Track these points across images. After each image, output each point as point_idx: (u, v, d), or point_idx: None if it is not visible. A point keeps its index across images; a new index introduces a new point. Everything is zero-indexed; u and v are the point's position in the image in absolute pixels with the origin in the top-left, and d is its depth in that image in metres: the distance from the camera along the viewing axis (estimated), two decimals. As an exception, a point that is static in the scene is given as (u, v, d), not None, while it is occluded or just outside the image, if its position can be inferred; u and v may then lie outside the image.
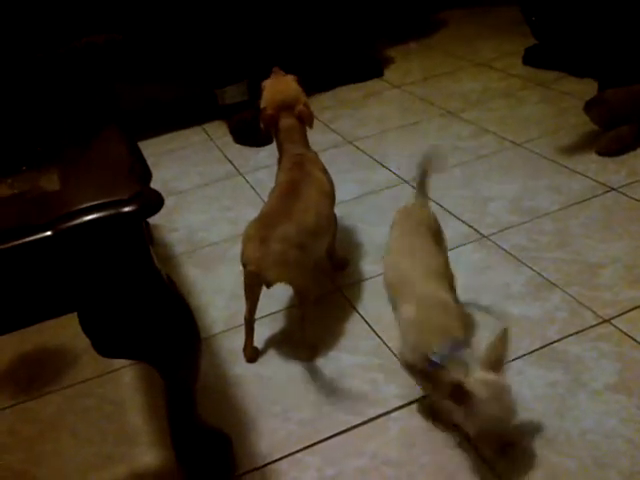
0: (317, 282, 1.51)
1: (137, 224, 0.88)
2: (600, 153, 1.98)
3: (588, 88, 2.26)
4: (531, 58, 2.78)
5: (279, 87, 1.49)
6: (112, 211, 0.84)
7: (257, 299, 1.37)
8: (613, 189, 1.80)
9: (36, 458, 1.26)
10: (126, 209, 0.84)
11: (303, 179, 1.41)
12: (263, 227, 1.30)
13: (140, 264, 0.91)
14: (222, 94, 2.56)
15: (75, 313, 0.90)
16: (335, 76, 2.87)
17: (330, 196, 1.48)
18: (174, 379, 1.05)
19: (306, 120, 1.48)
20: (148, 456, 1.22)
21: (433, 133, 2.32)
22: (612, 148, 1.97)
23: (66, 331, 1.55)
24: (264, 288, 1.34)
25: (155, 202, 0.88)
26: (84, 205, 0.84)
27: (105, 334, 0.93)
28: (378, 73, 2.94)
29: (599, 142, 2.00)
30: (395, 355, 1.35)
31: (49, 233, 0.82)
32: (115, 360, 1.41)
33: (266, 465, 1.16)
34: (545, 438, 1.13)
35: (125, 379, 1.42)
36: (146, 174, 1.01)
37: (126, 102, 2.56)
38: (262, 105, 1.49)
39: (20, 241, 0.81)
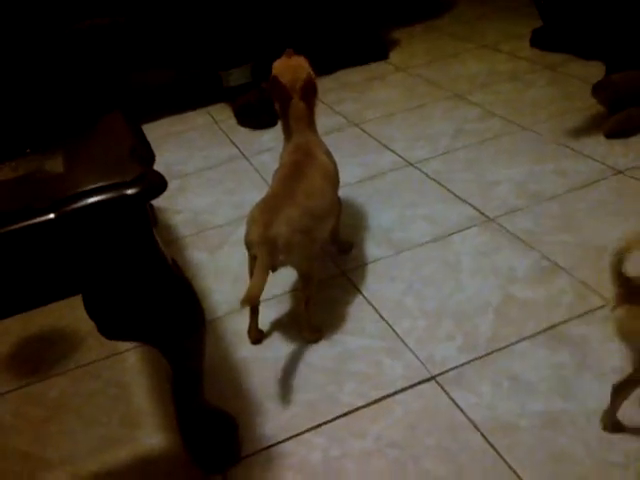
0: (320, 265, 1.50)
1: (140, 206, 0.88)
2: (607, 136, 1.97)
3: (595, 71, 2.24)
4: (538, 40, 2.75)
5: (290, 64, 1.48)
6: (115, 193, 0.84)
7: (262, 282, 1.36)
8: (620, 172, 1.79)
9: (42, 440, 1.27)
10: (129, 191, 0.84)
11: (306, 162, 1.41)
12: (267, 210, 1.29)
13: (144, 246, 0.91)
14: (227, 76, 2.55)
15: (80, 295, 0.91)
16: (339, 58, 2.85)
17: (334, 179, 1.47)
18: (179, 362, 1.05)
19: (313, 103, 1.46)
20: (154, 438, 1.23)
21: (439, 116, 2.30)
22: (619, 130, 1.96)
23: (71, 313, 1.56)
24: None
25: (158, 184, 0.87)
26: (87, 187, 0.84)
27: (110, 317, 0.94)
28: (383, 55, 2.92)
29: (606, 125, 1.98)
30: (400, 337, 1.35)
31: (52, 216, 0.82)
32: (120, 342, 1.42)
33: (271, 446, 1.16)
34: (550, 420, 1.13)
35: (130, 361, 1.42)
36: (149, 156, 1.01)
37: (130, 85, 2.56)
38: (273, 72, 1.47)
39: (24, 224, 0.81)
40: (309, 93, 1.45)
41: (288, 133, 1.48)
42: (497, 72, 2.59)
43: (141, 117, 1.24)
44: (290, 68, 1.47)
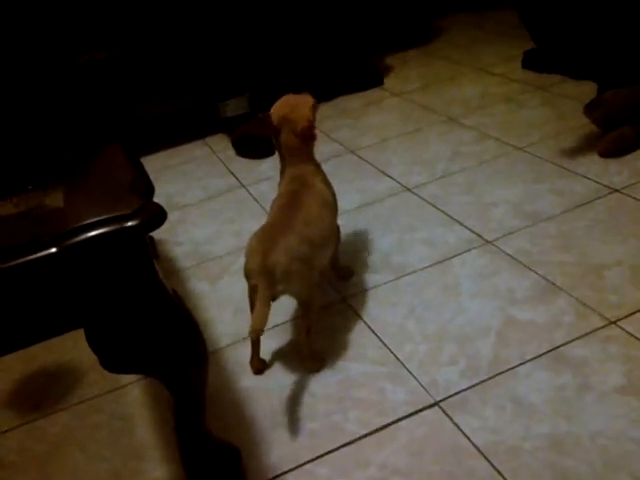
0: (320, 293, 1.50)
1: (141, 238, 0.89)
2: (602, 155, 1.98)
3: (587, 90, 2.27)
4: (530, 62, 2.79)
5: (290, 101, 1.49)
6: (116, 226, 0.85)
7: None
8: (616, 190, 1.80)
9: (46, 477, 1.26)
10: (129, 223, 0.85)
11: (304, 191, 1.41)
12: (265, 240, 1.30)
13: (145, 278, 0.92)
14: (224, 107, 2.57)
15: (81, 329, 0.91)
16: (335, 86, 2.89)
17: (332, 206, 1.48)
18: (182, 393, 1.05)
19: (308, 140, 1.46)
20: (158, 471, 1.22)
21: (434, 140, 2.32)
22: (613, 149, 1.97)
23: (72, 348, 1.55)
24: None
25: (158, 215, 0.88)
26: (88, 221, 0.85)
27: (112, 350, 0.94)
28: (378, 82, 2.96)
29: (600, 144, 2.00)
30: (402, 363, 1.35)
31: (54, 250, 0.83)
32: (122, 376, 1.42)
33: (275, 477, 1.16)
34: (554, 442, 1.12)
35: (133, 395, 1.42)
36: (149, 189, 1.02)
37: (128, 117, 2.59)
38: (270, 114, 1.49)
39: (25, 258, 0.82)
40: (307, 137, 1.46)
41: (285, 163, 1.49)
42: (490, 95, 2.62)
43: (139, 149, 1.25)
44: (290, 105, 1.48)
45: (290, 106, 1.47)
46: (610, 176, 1.87)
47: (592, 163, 1.96)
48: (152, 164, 2.49)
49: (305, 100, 1.50)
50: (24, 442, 1.35)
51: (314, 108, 1.50)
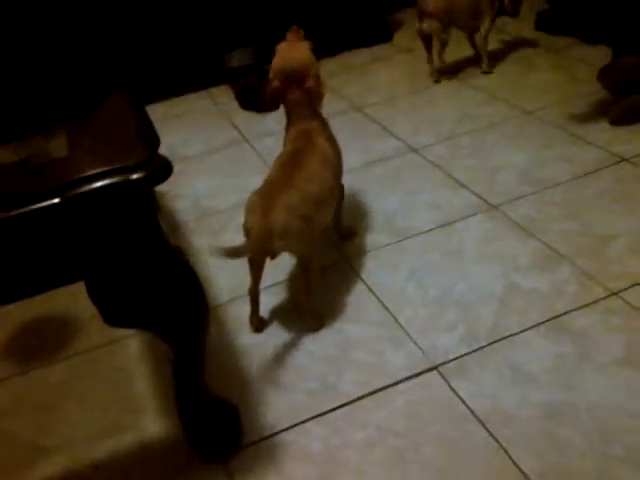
0: (322, 252, 1.49)
1: (146, 191, 0.87)
2: (613, 122, 1.95)
3: (601, 55, 2.22)
4: (543, 23, 2.73)
5: (290, 55, 1.44)
6: (121, 178, 0.82)
7: (262, 270, 1.36)
8: (625, 159, 1.77)
9: (43, 426, 1.27)
10: (135, 176, 0.82)
11: (306, 149, 1.39)
12: (265, 197, 1.28)
13: (148, 232, 0.90)
14: (229, 57, 2.52)
15: (82, 281, 0.90)
16: (342, 40, 2.82)
17: (334, 165, 1.45)
18: (182, 348, 1.05)
19: (315, 97, 1.43)
20: (155, 424, 1.23)
21: (443, 100, 2.28)
22: (625, 117, 1.94)
23: (72, 299, 1.55)
24: (269, 258, 1.33)
25: (164, 169, 0.86)
26: (92, 172, 0.82)
27: (114, 303, 0.93)
28: (387, 37, 2.89)
29: (612, 111, 1.97)
30: (401, 326, 1.35)
31: (57, 200, 0.81)
32: (121, 329, 1.41)
33: (273, 435, 1.17)
34: (552, 411, 1.13)
35: (131, 347, 1.42)
36: (154, 139, 1.00)
37: (132, 65, 2.53)
38: (270, 74, 1.44)
39: (28, 208, 0.80)
40: (313, 96, 1.42)
41: (290, 120, 1.46)
42: (502, 55, 2.56)
43: (143, 98, 1.22)
44: (290, 59, 1.43)
45: (292, 59, 1.42)
46: (620, 145, 1.84)
47: (602, 131, 1.93)
48: (155, 113, 2.44)
49: (302, 49, 1.44)
50: (23, 391, 1.36)
51: (313, 52, 1.45)
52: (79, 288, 0.92)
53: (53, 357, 1.43)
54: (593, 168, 1.76)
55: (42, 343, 1.48)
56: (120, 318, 0.95)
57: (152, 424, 1.23)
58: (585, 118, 2.01)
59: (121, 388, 1.32)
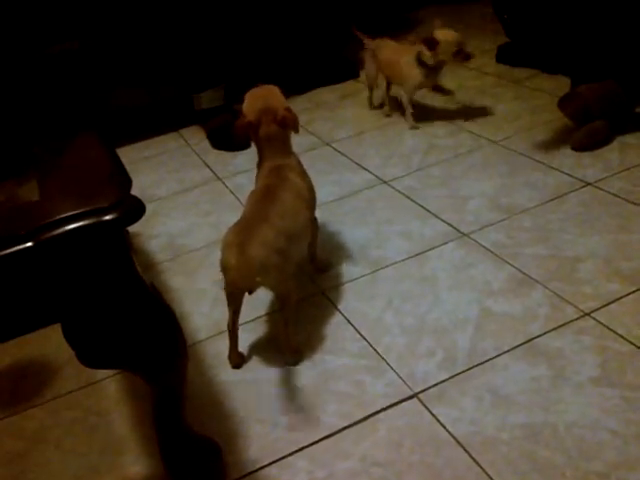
0: (298, 285, 1.50)
1: (119, 232, 0.87)
2: (575, 148, 2.01)
3: (561, 84, 2.30)
4: (504, 56, 2.82)
5: (262, 94, 1.48)
6: (93, 219, 0.83)
7: (240, 305, 1.36)
8: (589, 184, 1.82)
9: (22, 474, 1.24)
10: (107, 217, 0.83)
11: (280, 184, 1.40)
12: (241, 233, 1.29)
13: (123, 272, 0.91)
14: (198, 99, 2.55)
15: (56, 324, 0.89)
16: (311, 78, 2.88)
17: (308, 199, 1.47)
18: (161, 387, 1.04)
19: (290, 125, 1.45)
20: (136, 466, 1.21)
21: (409, 133, 2.33)
22: (586, 143, 2.00)
23: (47, 343, 1.53)
24: (246, 294, 1.34)
25: (136, 209, 0.87)
26: (65, 214, 0.83)
27: (90, 345, 0.92)
28: (354, 74, 2.95)
29: (573, 137, 2.03)
30: (380, 355, 1.36)
31: (30, 244, 0.81)
32: (98, 371, 1.40)
33: (256, 470, 1.16)
34: (531, 432, 1.14)
35: (109, 390, 1.40)
36: (126, 181, 1.00)
37: (104, 106, 2.55)
38: (243, 110, 1.47)
39: (0, 253, 0.80)
40: (288, 124, 1.45)
41: (262, 156, 1.48)
42: (465, 87, 2.64)
43: (113, 140, 1.23)
44: (262, 96, 1.47)
45: (263, 97, 1.47)
46: (583, 169, 1.90)
47: (565, 157, 1.98)
48: (126, 156, 2.44)
49: (272, 89, 1.50)
50: (-2, 439, 1.33)
51: (282, 93, 1.50)
52: (52, 331, 0.91)
53: (29, 403, 1.41)
54: (559, 193, 1.81)
55: (17, 389, 1.46)
56: (97, 359, 0.95)
57: (133, 466, 1.21)
58: (549, 145, 2.07)
59: (100, 431, 1.30)
